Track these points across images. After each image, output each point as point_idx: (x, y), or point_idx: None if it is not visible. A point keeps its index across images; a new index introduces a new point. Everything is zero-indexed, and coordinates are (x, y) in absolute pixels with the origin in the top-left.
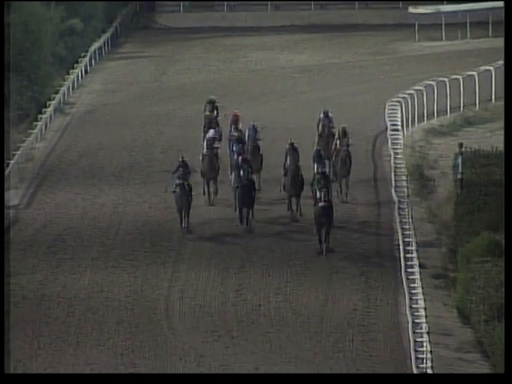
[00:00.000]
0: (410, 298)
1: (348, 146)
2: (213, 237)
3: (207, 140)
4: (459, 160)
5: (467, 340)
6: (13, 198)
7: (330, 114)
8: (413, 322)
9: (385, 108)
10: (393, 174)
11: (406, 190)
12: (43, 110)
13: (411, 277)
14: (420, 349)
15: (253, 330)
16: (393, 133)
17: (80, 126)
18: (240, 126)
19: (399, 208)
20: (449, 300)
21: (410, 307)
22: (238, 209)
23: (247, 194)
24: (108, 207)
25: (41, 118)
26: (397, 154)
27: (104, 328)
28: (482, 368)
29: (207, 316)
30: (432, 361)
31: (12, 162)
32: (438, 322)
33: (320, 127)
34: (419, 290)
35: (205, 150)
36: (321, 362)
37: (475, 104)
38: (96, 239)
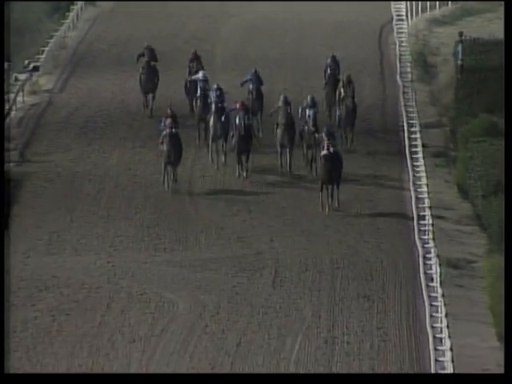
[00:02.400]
0: (414, 175)
1: (353, 93)
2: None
3: (199, 82)
4: (459, 47)
5: (466, 214)
6: (47, 82)
7: (337, 58)
8: (416, 198)
9: None
10: (398, 60)
11: (410, 76)
12: (75, 1)
13: (415, 156)
14: (423, 222)
15: (268, 205)
16: (398, 23)
17: (110, 18)
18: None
19: (404, 92)
20: (449, 177)
21: (414, 183)
22: (236, 156)
23: (244, 142)
24: (135, 92)
25: (73, 8)
26: (402, 42)
27: (132, 203)
28: (480, 239)
29: (226, 192)
30: (434, 233)
31: (46, 49)
32: (439, 197)
33: (327, 75)
34: (422, 168)
35: (198, 93)
36: (331, 235)
37: None
38: (124, 121)
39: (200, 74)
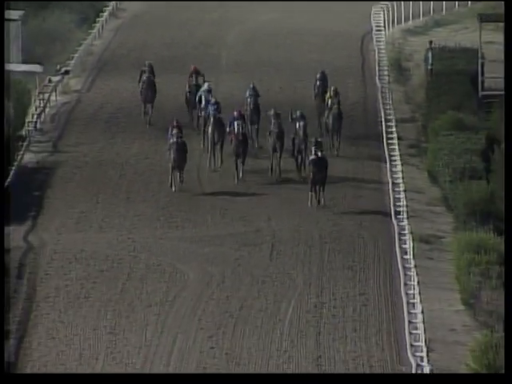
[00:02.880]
0: (391, 164)
1: (339, 104)
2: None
3: (204, 93)
4: (430, 54)
5: (435, 196)
6: (76, 84)
7: (325, 74)
8: (393, 183)
9: (371, 13)
10: (377, 65)
11: (387, 78)
12: (100, 14)
13: (391, 147)
14: (398, 203)
15: (267, 190)
16: (377, 33)
17: (130, 28)
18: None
19: (382, 92)
20: (421, 165)
21: (391, 171)
22: (234, 160)
23: (241, 147)
24: None
25: (98, 20)
26: (380, 49)
27: (149, 187)
28: (448, 218)
29: (230, 180)
30: (407, 213)
31: (76, 55)
32: (412, 182)
33: (316, 87)
34: (398, 158)
35: (203, 104)
36: (320, 214)
37: (442, 9)
38: (142, 117)
39: (205, 86)
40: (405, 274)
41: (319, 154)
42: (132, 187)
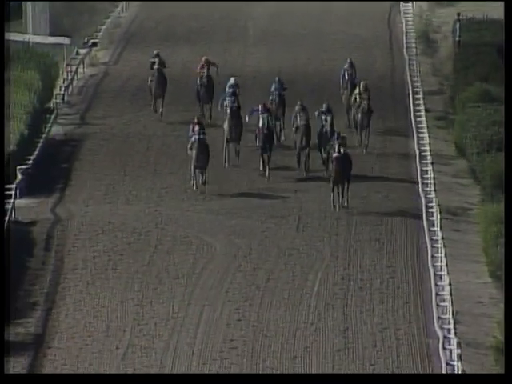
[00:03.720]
0: (418, 136)
1: (369, 99)
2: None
3: (230, 87)
4: (457, 26)
5: (463, 168)
6: (104, 56)
7: (353, 63)
8: (420, 155)
9: None
10: (404, 37)
11: (414, 50)
12: None
13: (419, 119)
14: (426, 176)
15: (293, 166)
16: (404, 4)
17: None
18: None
19: (409, 64)
20: (448, 137)
21: (418, 143)
22: (260, 155)
23: (267, 141)
24: (179, 64)
25: None
26: (408, 21)
27: (176, 159)
28: (475, 190)
29: (255, 159)
30: (435, 185)
31: (103, 27)
32: (439, 154)
33: (345, 76)
34: (425, 130)
35: (228, 100)
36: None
37: None
38: (169, 89)
39: (232, 80)
40: (432, 247)
41: (342, 150)
42: (159, 159)
